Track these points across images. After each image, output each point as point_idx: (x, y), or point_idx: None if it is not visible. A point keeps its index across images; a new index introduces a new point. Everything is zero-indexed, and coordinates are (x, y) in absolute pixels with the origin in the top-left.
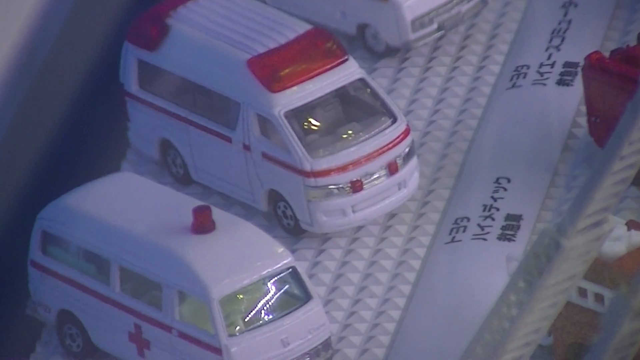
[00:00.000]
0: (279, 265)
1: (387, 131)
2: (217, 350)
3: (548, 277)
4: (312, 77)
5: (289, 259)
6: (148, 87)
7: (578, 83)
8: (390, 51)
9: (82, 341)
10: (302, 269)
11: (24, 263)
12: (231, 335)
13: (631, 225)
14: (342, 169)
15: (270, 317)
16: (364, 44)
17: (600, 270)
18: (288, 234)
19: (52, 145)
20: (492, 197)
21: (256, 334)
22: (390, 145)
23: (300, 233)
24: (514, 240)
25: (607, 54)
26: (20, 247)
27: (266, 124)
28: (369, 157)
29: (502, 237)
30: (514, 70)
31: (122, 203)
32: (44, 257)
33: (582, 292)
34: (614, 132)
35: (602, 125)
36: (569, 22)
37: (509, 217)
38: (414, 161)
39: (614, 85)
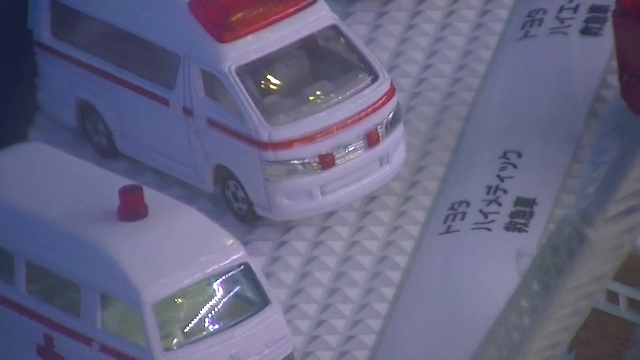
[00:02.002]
0: (228, 261)
1: (365, 92)
2: None
3: (569, 277)
4: (272, 23)
5: (241, 254)
6: (64, 36)
7: (608, 32)
8: None
9: None
10: (257, 266)
11: None
12: (167, 349)
13: None
14: (309, 139)
15: (217, 326)
16: None
17: (635, 269)
18: (240, 221)
19: None
20: (498, 176)
21: (199, 348)
22: (370, 110)
23: (255, 220)
24: (525, 231)
25: None
26: None
27: (213, 83)
28: (343, 125)
29: (511, 227)
30: (527, 16)
31: (30, 182)
32: None
33: (612, 297)
34: None
35: (638, 85)
36: None
37: (519, 201)
38: (399, 130)
39: None
